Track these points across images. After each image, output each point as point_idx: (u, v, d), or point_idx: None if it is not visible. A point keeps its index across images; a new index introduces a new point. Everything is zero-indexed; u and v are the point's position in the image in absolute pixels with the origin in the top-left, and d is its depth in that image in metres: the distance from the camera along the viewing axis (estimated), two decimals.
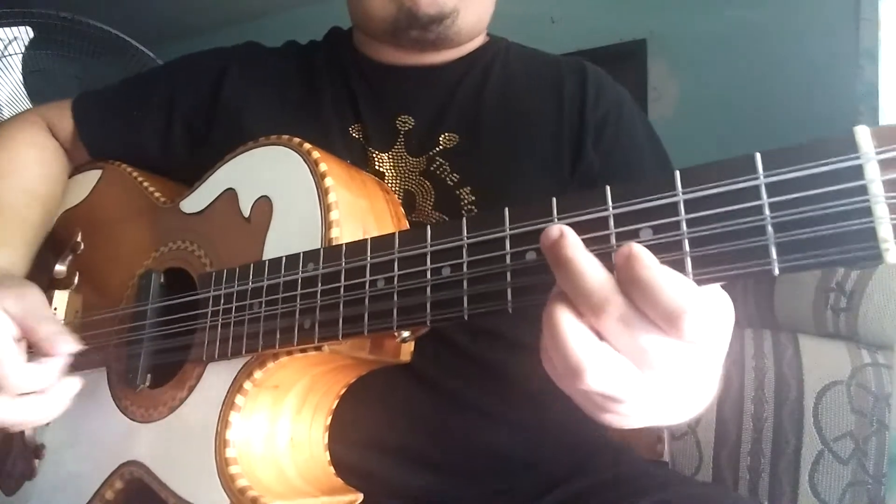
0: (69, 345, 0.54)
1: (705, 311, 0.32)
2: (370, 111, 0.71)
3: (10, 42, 1.86)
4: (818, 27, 1.84)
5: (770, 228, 0.32)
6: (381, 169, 0.68)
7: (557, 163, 0.68)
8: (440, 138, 0.69)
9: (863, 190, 0.30)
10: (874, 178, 0.30)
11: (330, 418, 0.57)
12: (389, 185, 0.67)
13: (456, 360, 0.62)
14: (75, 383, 0.55)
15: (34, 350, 0.54)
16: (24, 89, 1.91)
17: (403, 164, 0.68)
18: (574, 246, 0.34)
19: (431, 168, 0.67)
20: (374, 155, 0.68)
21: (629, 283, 0.33)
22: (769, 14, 1.90)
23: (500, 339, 0.64)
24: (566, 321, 0.33)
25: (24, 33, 1.87)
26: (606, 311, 0.33)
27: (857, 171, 0.30)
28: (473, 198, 0.65)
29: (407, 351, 0.53)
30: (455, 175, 0.66)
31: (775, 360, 1.04)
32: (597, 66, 0.77)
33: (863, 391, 0.95)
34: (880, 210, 0.29)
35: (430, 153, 0.68)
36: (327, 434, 0.56)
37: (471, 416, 0.63)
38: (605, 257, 0.35)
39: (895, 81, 1.61)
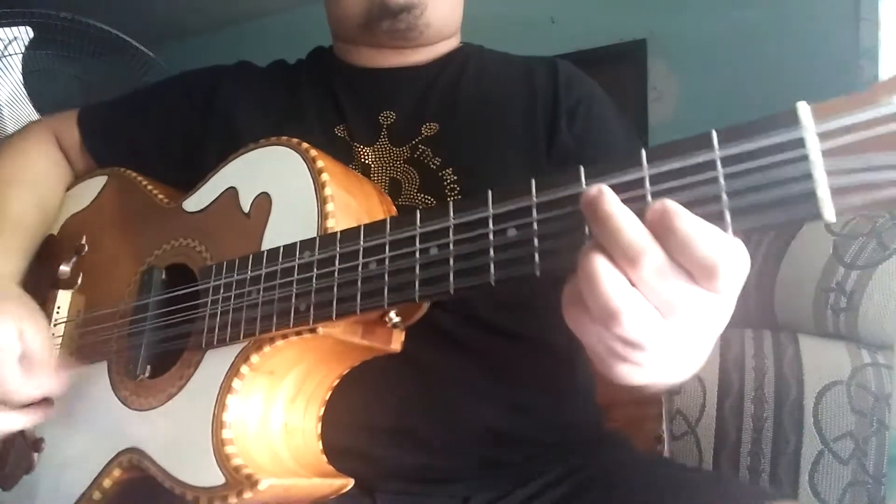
0: (57, 385, 0.61)
1: (738, 264, 0.34)
2: (353, 111, 0.75)
3: (10, 42, 1.86)
4: (818, 27, 1.84)
5: (724, 196, 0.35)
6: (367, 161, 0.71)
7: (533, 144, 0.71)
8: (422, 128, 0.73)
9: (804, 157, 0.34)
10: (813, 147, 0.34)
11: (322, 409, 0.58)
12: (375, 175, 0.70)
13: (443, 343, 0.65)
14: (47, 414, 0.62)
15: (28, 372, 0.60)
16: (24, 89, 1.91)
17: (388, 155, 0.72)
18: (612, 202, 0.36)
19: (415, 155, 0.71)
20: (359, 149, 0.72)
21: (666, 235, 0.35)
22: (769, 14, 1.91)
23: (483, 324, 0.66)
24: (603, 267, 0.35)
25: (24, 33, 1.87)
26: (643, 261, 0.35)
27: (800, 142, 0.34)
28: (455, 177, 0.68)
29: (398, 340, 0.55)
30: (437, 159, 0.70)
31: (775, 360, 1.04)
32: (589, 65, 0.80)
33: (863, 391, 0.95)
34: (818, 174, 0.34)
35: (413, 142, 0.72)
36: (319, 424, 0.57)
37: (458, 394, 0.65)
38: (577, 228, 0.39)
39: None
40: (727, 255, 0.34)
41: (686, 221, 0.34)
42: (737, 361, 1.05)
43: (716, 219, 0.35)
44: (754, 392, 1.02)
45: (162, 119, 0.81)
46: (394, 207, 0.62)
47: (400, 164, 0.71)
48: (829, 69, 1.77)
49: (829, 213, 0.33)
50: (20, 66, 1.90)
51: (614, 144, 0.73)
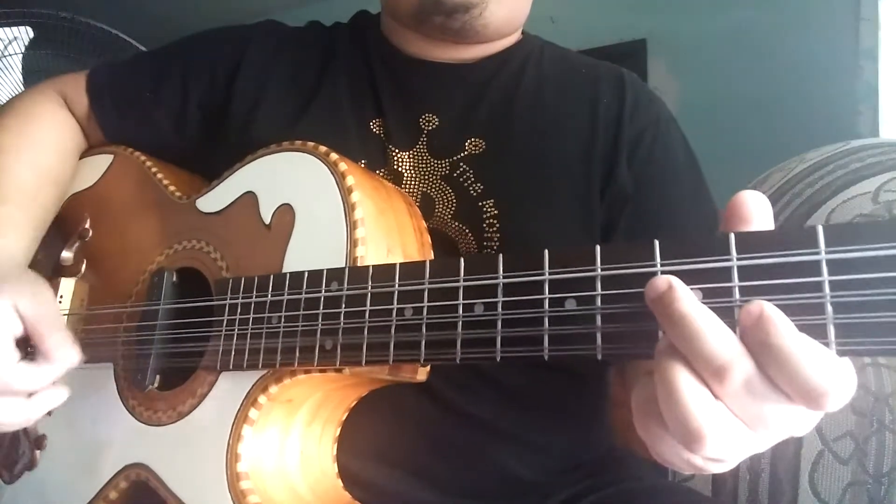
0: (73, 357, 0.54)
1: (846, 391, 0.29)
2: (393, 107, 0.68)
3: (10, 42, 1.86)
4: (818, 27, 1.84)
5: (829, 307, 0.30)
6: (400, 169, 0.65)
7: (587, 181, 0.65)
8: (466, 143, 0.66)
9: None
10: None
11: (339, 430, 0.56)
12: (407, 186, 0.64)
13: (467, 379, 0.61)
14: (62, 394, 0.55)
15: (36, 354, 0.54)
16: (24, 89, 1.91)
17: (424, 166, 0.65)
18: (686, 300, 0.31)
19: (455, 174, 0.64)
20: (394, 153, 0.66)
21: (761, 349, 0.30)
22: (769, 14, 1.90)
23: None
24: (685, 384, 0.31)
25: (24, 33, 1.88)
26: (730, 377, 0.30)
27: None
28: (496, 211, 0.62)
29: (423, 371, 0.52)
30: (479, 185, 0.63)
31: None
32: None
33: (863, 391, 0.95)
34: None
35: (455, 158, 0.65)
36: (335, 445, 0.55)
37: (480, 435, 0.61)
38: (649, 315, 0.33)
39: (895, 81, 1.61)
40: (834, 381, 0.28)
41: (787, 336, 0.29)
42: None
43: (816, 333, 0.30)
44: None
45: (177, 92, 0.73)
46: (423, 223, 0.57)
47: (436, 180, 0.64)
48: (829, 69, 1.77)
49: None
50: (20, 66, 1.90)
51: (675, 184, 0.66)
